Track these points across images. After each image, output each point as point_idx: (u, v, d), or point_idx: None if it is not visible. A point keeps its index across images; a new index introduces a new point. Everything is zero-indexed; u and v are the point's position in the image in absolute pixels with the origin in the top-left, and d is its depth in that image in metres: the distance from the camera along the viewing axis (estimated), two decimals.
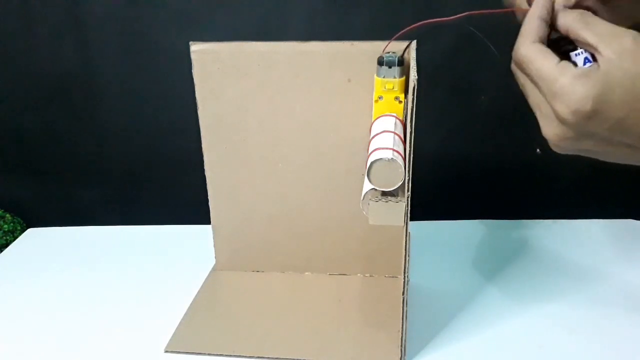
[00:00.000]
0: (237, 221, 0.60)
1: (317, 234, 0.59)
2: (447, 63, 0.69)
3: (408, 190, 0.41)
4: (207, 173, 0.58)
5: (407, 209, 0.42)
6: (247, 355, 0.49)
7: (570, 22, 0.40)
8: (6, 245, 0.73)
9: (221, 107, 0.55)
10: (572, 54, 0.39)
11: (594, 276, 0.60)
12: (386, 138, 0.43)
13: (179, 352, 0.50)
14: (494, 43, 0.68)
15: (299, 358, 0.48)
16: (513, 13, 0.46)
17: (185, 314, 0.55)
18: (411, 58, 0.47)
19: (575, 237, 0.67)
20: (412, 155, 0.41)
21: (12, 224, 0.77)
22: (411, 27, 0.44)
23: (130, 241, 0.71)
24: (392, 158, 0.40)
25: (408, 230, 0.43)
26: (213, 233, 0.61)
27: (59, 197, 0.80)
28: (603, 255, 0.63)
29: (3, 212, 0.78)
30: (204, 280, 0.61)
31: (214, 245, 0.62)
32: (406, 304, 0.45)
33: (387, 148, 0.41)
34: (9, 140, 0.77)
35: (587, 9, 0.45)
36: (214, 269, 0.63)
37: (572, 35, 0.39)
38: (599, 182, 0.74)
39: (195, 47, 0.53)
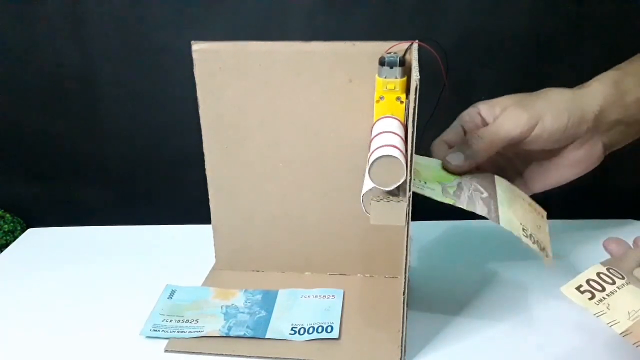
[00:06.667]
0: (237, 221, 0.60)
1: (317, 234, 0.59)
2: (447, 63, 0.69)
3: (409, 190, 0.41)
4: (207, 173, 0.58)
5: (409, 209, 0.42)
6: (247, 355, 0.49)
7: None
8: (6, 245, 0.73)
9: (222, 107, 0.55)
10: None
11: None
12: (388, 137, 0.43)
13: (179, 352, 0.50)
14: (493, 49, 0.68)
15: (299, 358, 0.49)
16: None
17: None
18: (413, 58, 0.47)
19: (576, 237, 0.68)
20: (413, 155, 0.41)
21: (12, 224, 0.77)
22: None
23: (130, 241, 0.71)
24: (393, 156, 0.40)
25: (408, 230, 0.43)
26: (213, 233, 0.61)
27: (59, 197, 0.80)
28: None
29: (3, 212, 0.78)
30: (203, 280, 0.61)
31: (214, 245, 0.62)
32: (406, 304, 0.45)
33: (388, 146, 0.41)
34: (9, 141, 0.77)
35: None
36: (214, 269, 0.63)
37: None
38: (599, 182, 0.73)
39: (197, 47, 0.53)
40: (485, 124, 0.52)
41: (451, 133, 0.53)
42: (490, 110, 0.52)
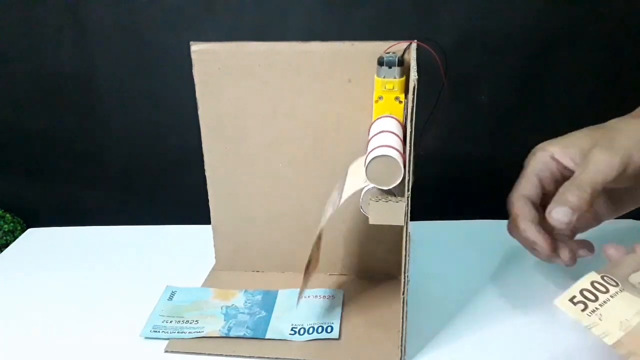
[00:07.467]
0: (237, 221, 0.60)
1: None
2: (447, 63, 0.69)
3: (408, 190, 0.41)
4: (207, 173, 0.58)
5: (407, 209, 0.42)
6: (247, 356, 0.49)
7: None
8: (6, 245, 0.73)
9: (221, 107, 0.55)
10: None
11: None
12: (386, 137, 0.43)
13: (179, 352, 0.50)
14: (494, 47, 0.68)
15: (298, 358, 0.49)
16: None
17: None
18: (411, 58, 0.47)
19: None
20: (412, 155, 0.41)
21: (12, 224, 0.77)
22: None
23: (130, 241, 0.71)
24: (390, 156, 0.40)
25: (408, 230, 0.43)
26: (213, 233, 0.61)
27: (59, 197, 0.80)
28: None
29: (3, 212, 0.78)
30: (204, 280, 0.61)
31: (214, 245, 0.62)
32: (406, 304, 0.45)
33: (386, 146, 0.41)
34: (9, 141, 0.77)
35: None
36: (214, 269, 0.63)
37: None
38: None
39: (196, 47, 0.53)
40: (561, 167, 0.51)
41: (529, 186, 0.52)
42: (566, 152, 0.51)
